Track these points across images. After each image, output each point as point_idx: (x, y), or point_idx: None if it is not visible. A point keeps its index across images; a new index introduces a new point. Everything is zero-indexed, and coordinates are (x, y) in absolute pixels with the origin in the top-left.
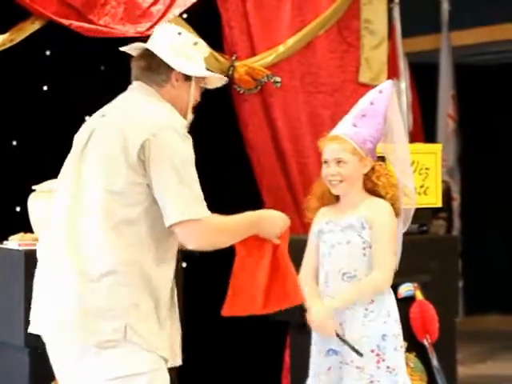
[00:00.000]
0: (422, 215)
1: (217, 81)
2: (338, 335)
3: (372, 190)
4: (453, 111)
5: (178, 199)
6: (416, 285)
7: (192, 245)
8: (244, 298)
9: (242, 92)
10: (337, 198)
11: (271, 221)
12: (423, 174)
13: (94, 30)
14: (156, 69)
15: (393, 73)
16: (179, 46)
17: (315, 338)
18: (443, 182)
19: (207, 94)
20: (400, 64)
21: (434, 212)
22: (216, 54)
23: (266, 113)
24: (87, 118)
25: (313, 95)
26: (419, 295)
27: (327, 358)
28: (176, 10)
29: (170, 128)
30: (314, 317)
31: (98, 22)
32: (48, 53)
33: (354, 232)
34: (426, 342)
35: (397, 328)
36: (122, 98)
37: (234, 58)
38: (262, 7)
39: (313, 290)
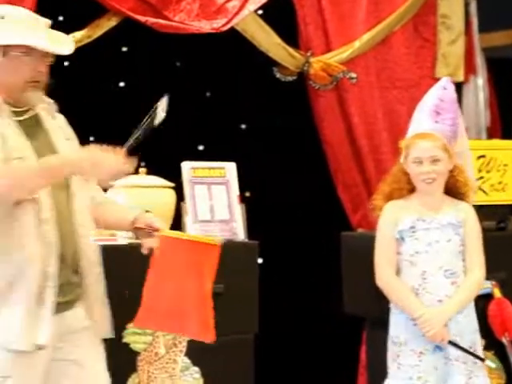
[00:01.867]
0: (501, 212)
1: (58, 46)
2: (452, 343)
3: (453, 186)
4: None
5: None
6: (494, 282)
7: None
8: (159, 312)
9: (317, 88)
10: (409, 193)
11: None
12: (501, 170)
13: (169, 27)
14: None
15: (470, 68)
16: None
17: (407, 337)
18: None
19: (282, 90)
20: (477, 59)
21: (511, 209)
22: (291, 50)
23: (342, 109)
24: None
25: (388, 91)
26: (497, 293)
27: (434, 356)
28: (251, 6)
29: None
30: (429, 326)
31: (173, 19)
32: (125, 49)
33: (453, 230)
34: (504, 340)
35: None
36: None
37: (309, 54)
38: (337, 3)
39: (408, 291)
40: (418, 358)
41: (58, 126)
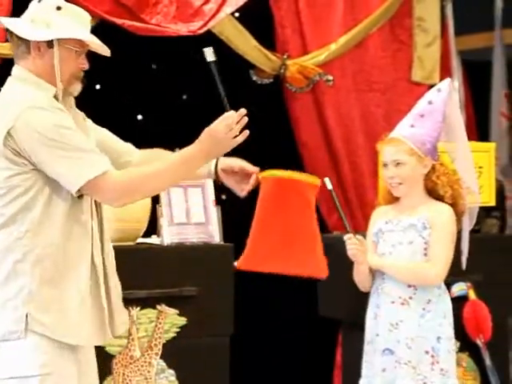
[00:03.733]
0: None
1: (100, 47)
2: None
3: (432, 189)
4: (506, 109)
5: (68, 171)
6: (469, 284)
7: (111, 202)
8: (265, 251)
9: (293, 90)
10: (396, 199)
11: (215, 141)
12: (476, 172)
13: (146, 29)
14: (16, 42)
15: (445, 71)
16: (37, 13)
17: (370, 336)
18: (496, 180)
19: (259, 92)
20: (453, 62)
21: (487, 211)
22: (267, 53)
23: (318, 111)
24: (139, 116)
25: (365, 93)
26: (472, 295)
27: (382, 358)
28: (228, 9)
29: (27, 108)
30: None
31: (150, 21)
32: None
33: (415, 232)
34: (479, 342)
35: (451, 331)
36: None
37: (285, 56)
38: (314, 6)
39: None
40: (378, 357)
41: (89, 128)
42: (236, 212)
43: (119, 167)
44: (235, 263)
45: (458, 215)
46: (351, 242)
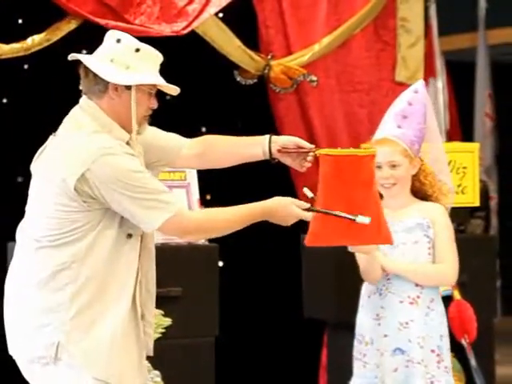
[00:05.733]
0: (460, 215)
1: (171, 87)
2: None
3: (419, 189)
4: (490, 110)
5: (144, 213)
6: (454, 284)
7: (184, 237)
8: (331, 226)
9: (277, 91)
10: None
11: (280, 214)
12: (460, 173)
13: (129, 30)
14: (93, 79)
15: (429, 71)
16: (116, 54)
17: (370, 337)
18: (481, 181)
19: (243, 93)
20: (437, 62)
21: (471, 211)
22: (251, 53)
23: (302, 112)
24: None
25: (349, 94)
26: (457, 295)
27: (393, 358)
28: (212, 9)
29: (102, 154)
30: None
31: (133, 22)
32: (85, 52)
33: (421, 232)
34: (464, 342)
35: (447, 328)
36: (70, 117)
37: (269, 57)
38: (298, 6)
39: None
40: (388, 358)
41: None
42: None
43: (179, 162)
44: (304, 241)
45: None
46: None
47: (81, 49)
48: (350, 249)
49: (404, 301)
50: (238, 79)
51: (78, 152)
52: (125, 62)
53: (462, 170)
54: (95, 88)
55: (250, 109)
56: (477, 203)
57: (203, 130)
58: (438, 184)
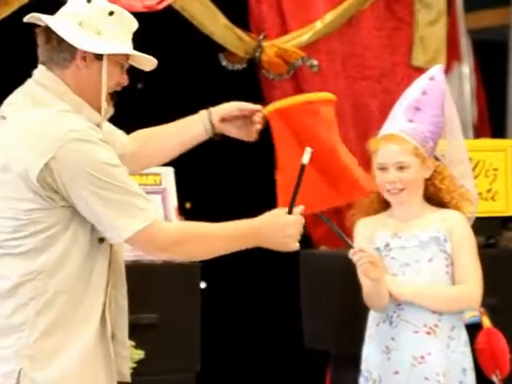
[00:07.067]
0: (489, 226)
1: (146, 60)
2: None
3: (434, 195)
4: None
5: (115, 218)
6: (482, 309)
7: (157, 254)
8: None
9: (271, 78)
10: (384, 207)
11: (275, 231)
12: (490, 176)
13: None
14: (57, 46)
15: (453, 54)
16: (87, 17)
17: (378, 374)
18: None
19: (232, 80)
20: (462, 43)
21: (503, 222)
22: (240, 33)
23: None
24: None
25: (357, 81)
26: (487, 322)
27: None
28: None
29: (73, 140)
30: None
31: None
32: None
33: (437, 246)
34: (495, 379)
35: (472, 360)
36: (23, 92)
37: (261, 37)
38: None
39: None
40: None
41: None
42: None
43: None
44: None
45: None
46: (361, 255)
47: (33, 28)
48: (361, 278)
49: (419, 330)
50: (224, 64)
51: (41, 135)
52: (96, 26)
53: (492, 173)
54: (58, 56)
55: (238, 99)
56: (510, 212)
57: None
58: (458, 189)
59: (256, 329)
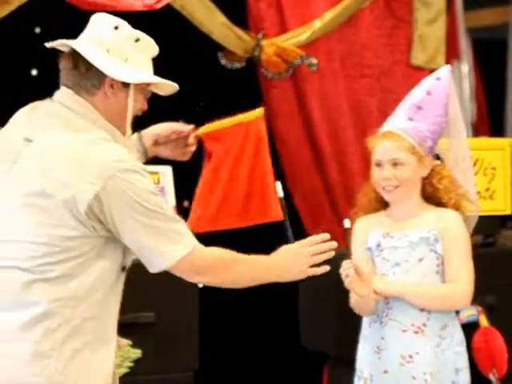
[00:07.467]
0: (488, 224)
1: (168, 86)
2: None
3: (432, 195)
4: None
5: (162, 245)
6: (480, 308)
7: (195, 278)
8: (215, 208)
9: (270, 77)
10: (383, 206)
11: (293, 262)
12: (489, 174)
13: (94, 4)
14: (85, 72)
15: (452, 53)
16: (115, 44)
17: (369, 373)
18: None
19: (231, 79)
20: (461, 42)
21: (502, 220)
22: (239, 31)
23: (300, 102)
24: None
25: (356, 80)
26: (484, 321)
27: None
28: None
29: (120, 169)
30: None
31: None
32: (38, 30)
33: (427, 246)
34: (492, 377)
35: (467, 359)
36: (48, 115)
37: (260, 35)
38: None
39: None
40: None
41: None
42: None
43: None
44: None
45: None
46: (346, 272)
47: (33, 25)
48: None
49: (407, 329)
50: (223, 63)
51: (89, 163)
52: (123, 53)
53: (490, 171)
54: (87, 82)
55: (236, 98)
56: (508, 211)
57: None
58: (457, 190)
59: (254, 329)
